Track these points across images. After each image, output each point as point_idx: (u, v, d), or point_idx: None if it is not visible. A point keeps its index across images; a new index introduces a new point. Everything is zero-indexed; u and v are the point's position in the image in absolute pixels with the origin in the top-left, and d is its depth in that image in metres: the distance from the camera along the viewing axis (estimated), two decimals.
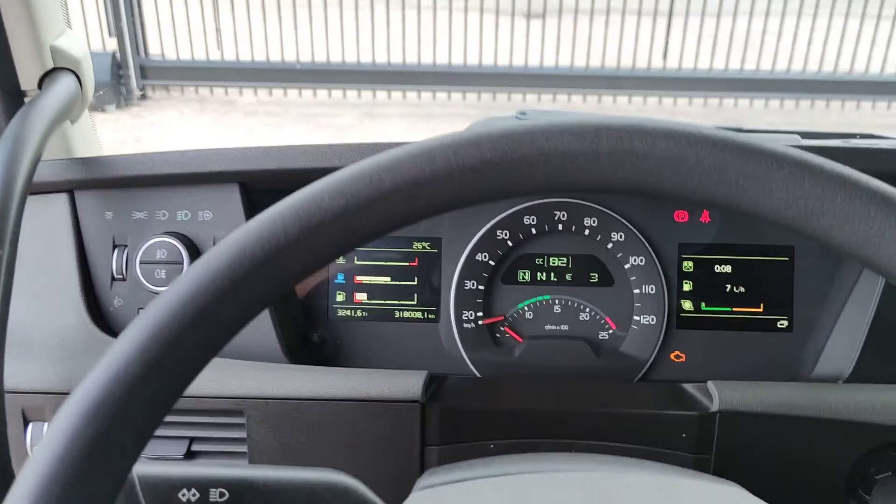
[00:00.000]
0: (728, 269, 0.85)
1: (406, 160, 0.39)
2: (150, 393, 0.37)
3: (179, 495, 0.57)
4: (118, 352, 0.37)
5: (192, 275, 0.38)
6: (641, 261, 0.85)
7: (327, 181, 0.39)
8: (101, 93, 4.74)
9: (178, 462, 0.73)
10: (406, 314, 0.87)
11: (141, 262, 0.81)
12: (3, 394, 0.68)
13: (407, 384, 0.74)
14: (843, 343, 0.81)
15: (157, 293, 0.82)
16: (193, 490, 0.57)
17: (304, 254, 0.39)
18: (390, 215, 0.39)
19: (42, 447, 0.36)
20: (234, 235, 0.39)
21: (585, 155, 0.38)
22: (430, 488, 0.53)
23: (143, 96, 5.23)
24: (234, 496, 0.57)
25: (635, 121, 0.39)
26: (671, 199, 0.39)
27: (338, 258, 0.38)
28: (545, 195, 0.85)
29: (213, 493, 0.57)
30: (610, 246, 0.85)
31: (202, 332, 0.38)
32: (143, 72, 5.20)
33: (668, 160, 0.38)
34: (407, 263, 0.87)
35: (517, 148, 0.38)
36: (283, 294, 0.40)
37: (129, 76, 5.08)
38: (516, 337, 0.86)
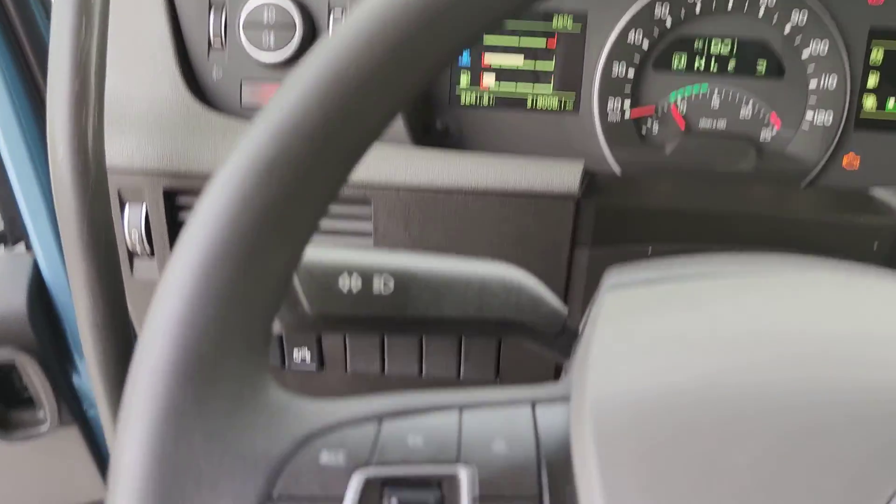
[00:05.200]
0: None
1: None
2: (333, 146, 0.28)
3: (339, 282, 0.49)
4: (285, 96, 0.28)
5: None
6: (824, 47, 0.72)
7: None
8: None
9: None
10: (540, 102, 0.76)
11: (245, 26, 0.70)
12: (105, 175, 0.60)
13: (562, 175, 0.64)
14: None
15: (266, 64, 0.71)
16: (356, 275, 0.49)
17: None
18: None
19: (201, 210, 0.27)
20: None
21: None
22: (623, 287, 0.44)
23: None
24: (398, 287, 0.49)
25: None
26: None
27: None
28: None
29: (377, 282, 0.49)
30: (787, 30, 0.72)
31: (388, 74, 0.28)
32: None
33: None
34: (544, 42, 0.75)
35: None
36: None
37: None
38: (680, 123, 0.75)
